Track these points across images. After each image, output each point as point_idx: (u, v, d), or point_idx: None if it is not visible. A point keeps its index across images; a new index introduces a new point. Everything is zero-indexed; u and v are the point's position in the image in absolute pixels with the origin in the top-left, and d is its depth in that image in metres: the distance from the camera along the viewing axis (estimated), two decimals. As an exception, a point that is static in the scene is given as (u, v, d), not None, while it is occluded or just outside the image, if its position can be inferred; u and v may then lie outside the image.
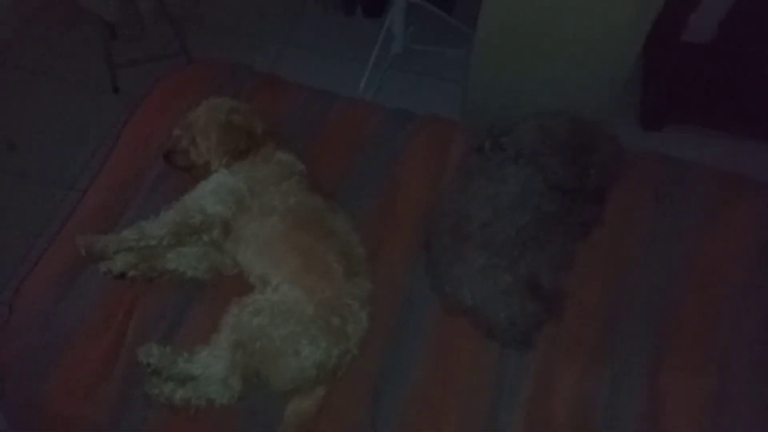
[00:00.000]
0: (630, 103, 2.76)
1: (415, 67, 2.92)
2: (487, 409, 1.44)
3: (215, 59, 2.04)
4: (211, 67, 1.99)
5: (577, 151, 1.56)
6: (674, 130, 2.69)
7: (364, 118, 1.92)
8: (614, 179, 1.65)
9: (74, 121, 2.72)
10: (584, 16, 2.04)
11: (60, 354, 1.47)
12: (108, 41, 2.69)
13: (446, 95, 2.79)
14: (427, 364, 1.49)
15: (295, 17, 3.12)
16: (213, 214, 1.52)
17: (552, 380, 1.48)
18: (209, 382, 1.37)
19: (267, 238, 1.51)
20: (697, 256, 1.65)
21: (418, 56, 2.92)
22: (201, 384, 1.37)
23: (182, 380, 1.38)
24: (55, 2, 3.07)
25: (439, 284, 1.54)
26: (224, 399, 1.37)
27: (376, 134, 1.88)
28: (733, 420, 1.44)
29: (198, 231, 1.52)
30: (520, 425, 1.42)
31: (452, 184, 1.67)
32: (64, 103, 2.78)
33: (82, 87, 2.83)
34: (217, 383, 1.37)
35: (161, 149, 1.68)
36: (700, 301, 1.58)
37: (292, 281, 1.45)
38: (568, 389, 1.47)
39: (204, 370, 1.37)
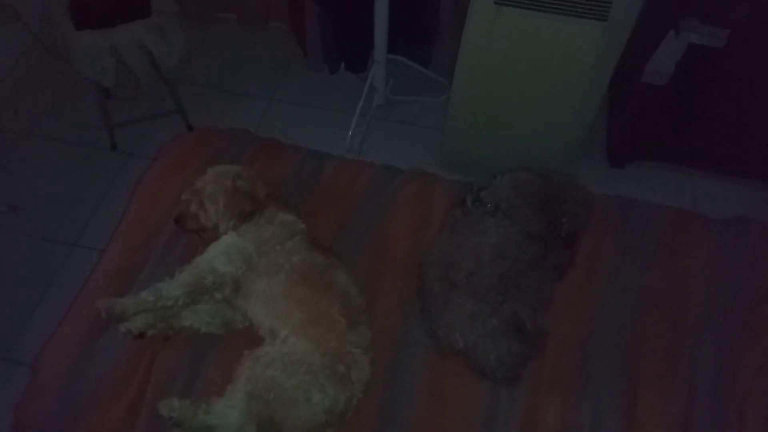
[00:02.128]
0: (599, 143, 2.92)
1: (396, 117, 3.06)
2: (480, 442, 1.53)
3: (215, 126, 2.13)
4: (212, 134, 2.07)
5: (549, 202, 1.68)
6: (638, 167, 2.86)
7: (354, 174, 2.02)
8: (584, 225, 1.77)
9: (74, 179, 2.77)
10: (551, 70, 2.20)
11: (84, 410, 1.52)
12: (104, 102, 2.75)
13: (426, 141, 2.94)
14: (424, 402, 1.57)
15: (282, 74, 3.25)
16: (224, 273, 1.60)
17: (539, 413, 1.57)
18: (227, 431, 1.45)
19: (274, 294, 1.59)
20: (659, 290, 1.77)
21: (399, 106, 3.08)
22: (219, 433, 1.45)
23: (202, 430, 1.45)
24: (48, 64, 3.13)
25: (433, 329, 1.64)
26: (241, 446, 1.45)
27: (366, 190, 1.98)
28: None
29: (211, 290, 1.59)
30: (512, 455, 1.51)
31: (439, 235, 1.78)
32: (63, 162, 2.82)
33: (79, 146, 2.88)
34: (234, 432, 1.45)
35: (172, 214, 1.75)
36: (663, 332, 1.69)
37: (298, 333, 1.52)
38: (554, 421, 1.56)
39: (221, 420, 1.44)
